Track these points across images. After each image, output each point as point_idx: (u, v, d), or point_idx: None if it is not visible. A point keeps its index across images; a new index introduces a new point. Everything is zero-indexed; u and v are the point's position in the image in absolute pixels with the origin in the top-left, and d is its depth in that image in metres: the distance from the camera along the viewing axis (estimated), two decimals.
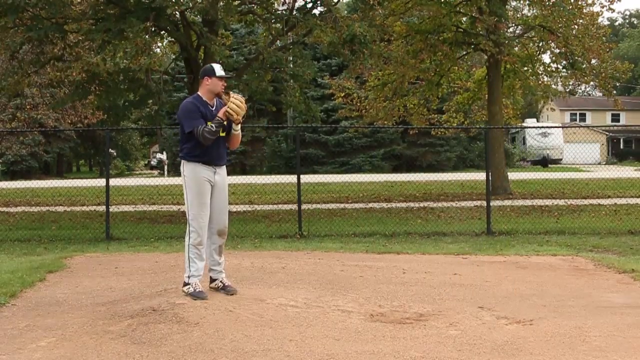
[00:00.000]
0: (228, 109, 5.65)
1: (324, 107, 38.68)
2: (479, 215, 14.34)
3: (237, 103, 5.66)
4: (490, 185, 13.42)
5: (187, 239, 5.79)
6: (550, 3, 19.63)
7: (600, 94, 45.85)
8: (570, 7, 19.85)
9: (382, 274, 7.40)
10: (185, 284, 5.75)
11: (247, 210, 17.00)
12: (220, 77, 5.76)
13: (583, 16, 20.80)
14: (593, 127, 53.04)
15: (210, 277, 5.96)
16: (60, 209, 17.86)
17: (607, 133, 56.27)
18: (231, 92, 5.78)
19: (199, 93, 5.86)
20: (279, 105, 21.19)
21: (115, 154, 46.75)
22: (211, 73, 5.75)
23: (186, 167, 5.80)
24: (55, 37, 15.25)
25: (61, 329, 5.17)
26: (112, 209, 13.70)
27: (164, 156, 44.25)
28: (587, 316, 5.59)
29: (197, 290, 5.67)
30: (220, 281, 5.93)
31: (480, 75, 23.64)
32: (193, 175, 5.74)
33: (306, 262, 8.30)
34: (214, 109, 5.78)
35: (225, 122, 5.74)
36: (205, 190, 5.75)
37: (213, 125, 5.66)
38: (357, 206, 17.62)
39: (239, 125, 5.83)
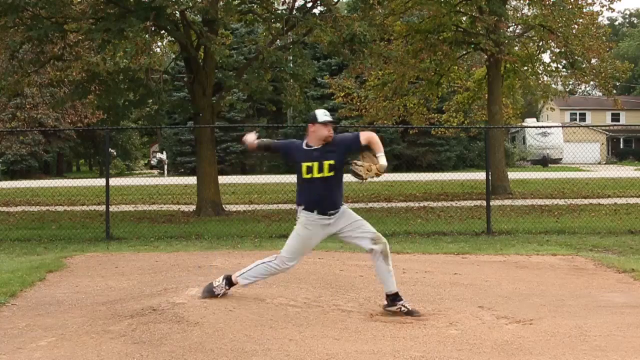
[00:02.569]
0: (357, 167, 5.84)
1: (324, 106, 38.55)
2: (479, 215, 14.34)
3: (373, 172, 5.89)
4: (490, 184, 13.40)
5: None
6: (550, 2, 19.60)
7: (600, 94, 45.85)
8: (570, 6, 19.84)
9: None
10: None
11: (247, 210, 17.01)
12: (323, 123, 5.71)
13: (583, 16, 20.78)
14: (593, 126, 52.95)
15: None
16: (60, 208, 17.87)
17: (607, 132, 56.22)
18: (377, 165, 5.93)
19: (306, 139, 5.82)
20: (279, 105, 21.21)
21: (115, 153, 46.76)
22: (314, 120, 5.74)
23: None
24: (55, 37, 15.24)
25: (61, 328, 5.17)
26: (112, 208, 13.70)
27: (163, 156, 44.22)
28: (587, 316, 5.59)
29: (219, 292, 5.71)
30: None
31: (480, 75, 23.63)
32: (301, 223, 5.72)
33: (306, 261, 8.28)
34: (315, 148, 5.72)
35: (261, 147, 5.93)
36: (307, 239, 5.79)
37: (263, 141, 5.99)
38: (357, 206, 17.59)
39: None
